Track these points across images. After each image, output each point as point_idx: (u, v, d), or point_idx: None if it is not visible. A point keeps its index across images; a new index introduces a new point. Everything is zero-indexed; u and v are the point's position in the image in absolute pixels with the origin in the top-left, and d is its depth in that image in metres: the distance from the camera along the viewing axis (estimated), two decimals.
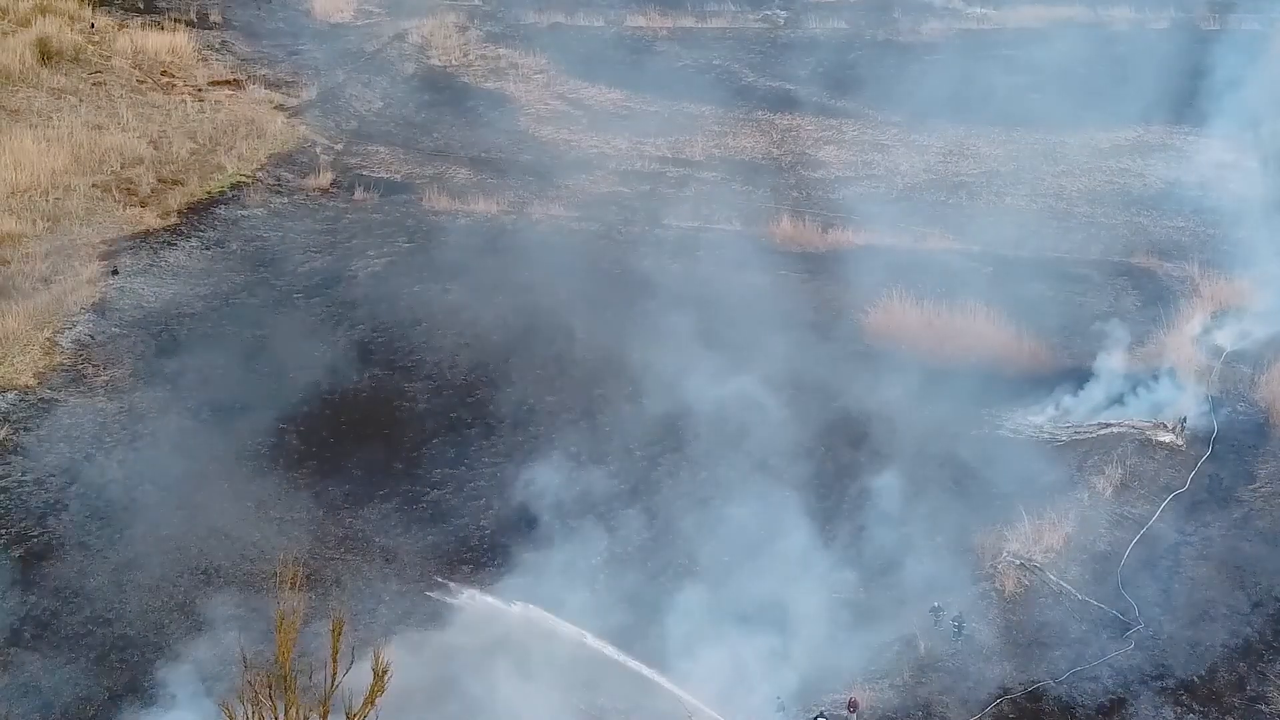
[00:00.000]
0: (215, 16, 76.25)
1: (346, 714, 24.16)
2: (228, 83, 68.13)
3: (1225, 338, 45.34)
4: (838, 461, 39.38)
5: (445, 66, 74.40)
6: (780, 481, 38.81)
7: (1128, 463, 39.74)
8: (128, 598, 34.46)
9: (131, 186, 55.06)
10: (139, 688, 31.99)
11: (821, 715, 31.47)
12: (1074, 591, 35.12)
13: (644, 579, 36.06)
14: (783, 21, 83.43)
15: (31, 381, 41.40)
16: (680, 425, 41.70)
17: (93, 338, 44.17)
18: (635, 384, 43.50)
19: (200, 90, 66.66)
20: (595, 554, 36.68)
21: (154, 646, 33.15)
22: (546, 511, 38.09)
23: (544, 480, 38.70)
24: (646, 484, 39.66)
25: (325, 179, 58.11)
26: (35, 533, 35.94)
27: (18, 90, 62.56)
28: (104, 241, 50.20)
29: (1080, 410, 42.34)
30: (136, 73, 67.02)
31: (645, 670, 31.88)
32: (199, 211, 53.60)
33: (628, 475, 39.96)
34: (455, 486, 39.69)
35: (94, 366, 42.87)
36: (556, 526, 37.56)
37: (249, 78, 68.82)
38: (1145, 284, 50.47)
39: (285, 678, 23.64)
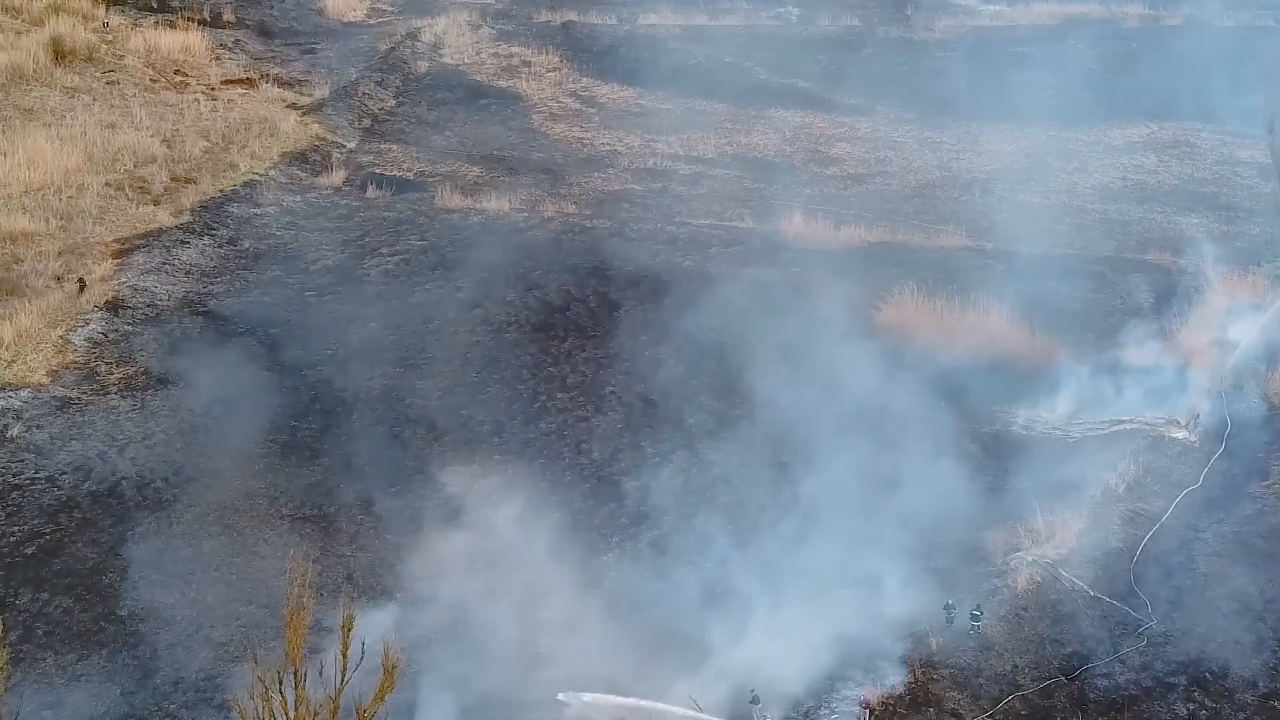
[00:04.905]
0: (228, 15, 76.38)
1: (356, 710, 24.17)
2: (241, 81, 68.23)
3: (1239, 333, 45.15)
4: (843, 459, 39.14)
5: (458, 65, 74.43)
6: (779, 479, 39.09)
7: (1140, 459, 39.65)
8: None
9: (144, 185, 55.14)
10: None
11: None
12: (1086, 588, 35.01)
13: None
14: (795, 19, 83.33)
15: (44, 379, 41.46)
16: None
17: (105, 336, 44.22)
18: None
19: (213, 89, 66.79)
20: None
21: None
22: None
23: None
24: None
25: (338, 177, 58.16)
26: None
27: (31, 89, 62.72)
28: (117, 240, 50.26)
29: (1093, 406, 42.25)
30: (150, 72, 67.15)
31: None
32: (212, 209, 53.65)
33: None
34: None
35: (107, 364, 42.92)
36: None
37: (262, 76, 68.92)
38: (1158, 280, 50.32)
39: (296, 673, 23.65)
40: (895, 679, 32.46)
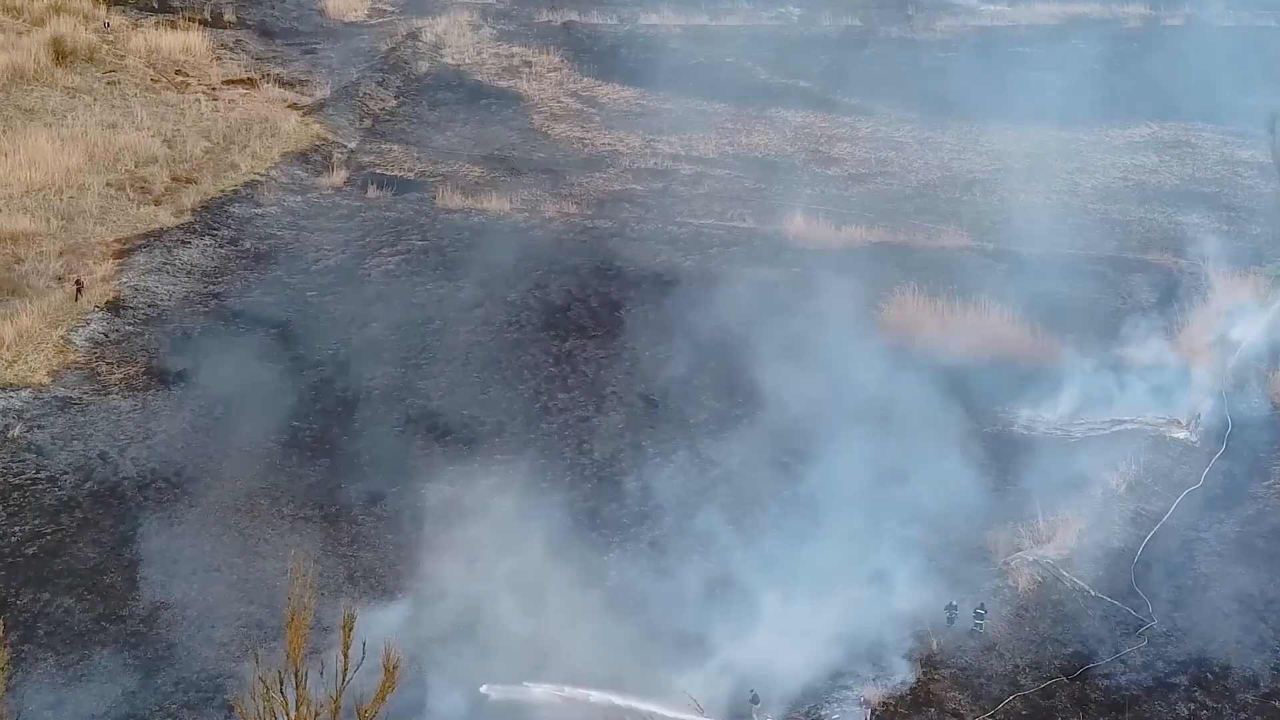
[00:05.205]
0: (229, 15, 76.40)
1: (358, 710, 24.18)
2: (242, 81, 68.23)
3: (1240, 333, 45.15)
4: (844, 460, 39.11)
5: (458, 65, 74.45)
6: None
7: (1141, 459, 39.66)
8: None
9: (145, 185, 55.17)
10: None
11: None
12: (1088, 588, 35.03)
13: None
14: (796, 19, 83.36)
15: (45, 380, 41.50)
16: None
17: (106, 336, 44.26)
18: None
19: (214, 89, 66.78)
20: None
21: None
22: None
23: None
24: None
25: (339, 177, 58.16)
26: None
27: (32, 89, 62.76)
28: (118, 240, 50.31)
29: (1094, 406, 42.24)
30: (150, 72, 67.16)
31: None
32: (213, 210, 53.67)
33: None
34: None
35: (108, 365, 42.95)
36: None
37: (263, 76, 68.92)
38: (1160, 280, 50.36)
39: (297, 674, 23.65)
40: (897, 678, 32.47)
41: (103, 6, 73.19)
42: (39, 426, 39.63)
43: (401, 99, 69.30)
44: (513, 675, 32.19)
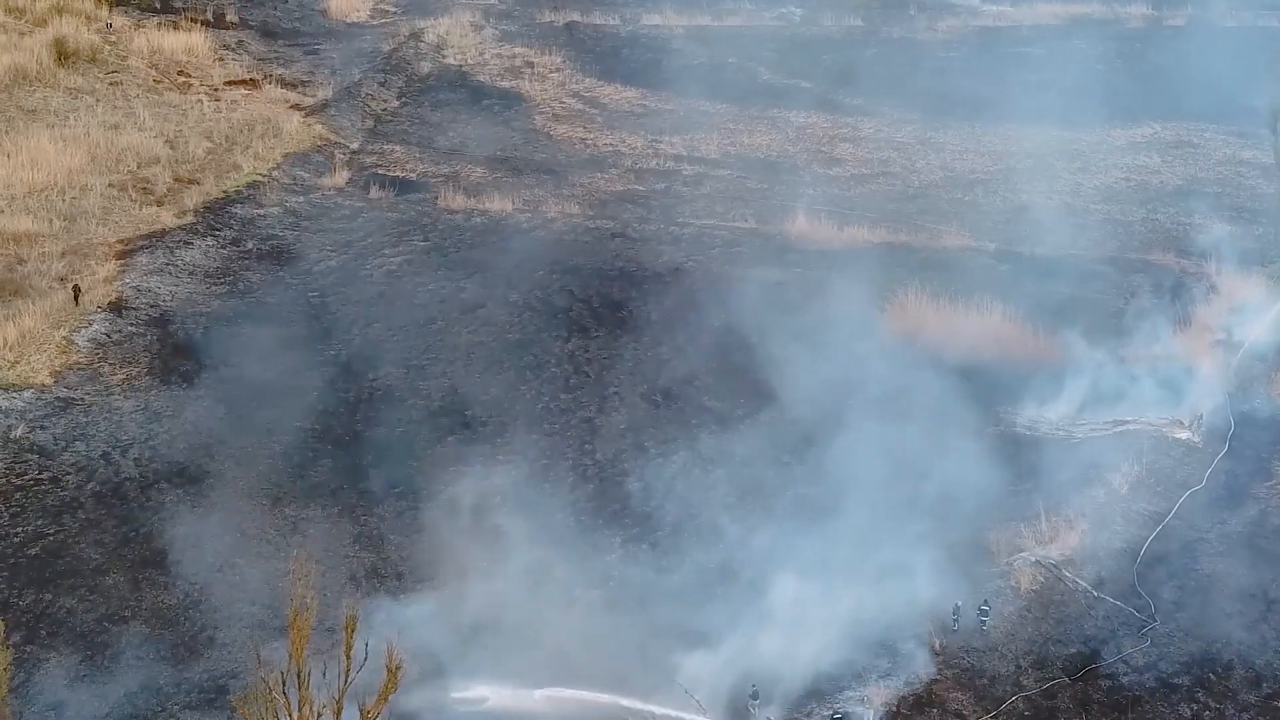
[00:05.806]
0: (231, 16, 76.34)
1: (360, 710, 24.20)
2: (244, 82, 68.18)
3: (1242, 334, 45.11)
4: (846, 462, 39.07)
5: (461, 66, 74.38)
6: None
7: (1144, 460, 39.64)
8: None
9: (148, 186, 55.14)
10: None
11: (835, 716, 31.52)
12: (1090, 589, 35.03)
13: None
14: (798, 19, 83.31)
15: (48, 380, 41.48)
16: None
17: (109, 336, 44.24)
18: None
19: (216, 90, 66.72)
20: None
21: None
22: None
23: None
24: None
25: (341, 178, 58.09)
26: None
27: (35, 90, 62.71)
28: (120, 241, 50.27)
29: (1096, 406, 42.20)
30: (153, 72, 67.13)
31: None
32: (215, 210, 53.61)
33: None
34: None
35: (110, 365, 42.93)
36: None
37: (265, 77, 68.87)
38: (1162, 280, 50.26)
39: (299, 674, 23.67)
40: (899, 679, 32.49)
41: (105, 7, 73.12)
42: (42, 427, 39.63)
43: (404, 100, 69.26)
44: (513, 674, 32.31)
